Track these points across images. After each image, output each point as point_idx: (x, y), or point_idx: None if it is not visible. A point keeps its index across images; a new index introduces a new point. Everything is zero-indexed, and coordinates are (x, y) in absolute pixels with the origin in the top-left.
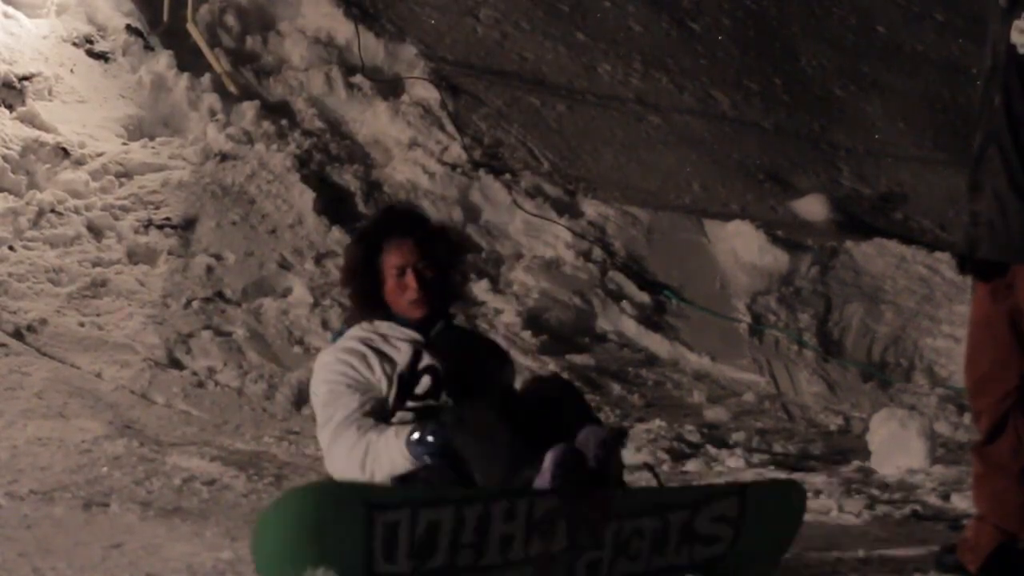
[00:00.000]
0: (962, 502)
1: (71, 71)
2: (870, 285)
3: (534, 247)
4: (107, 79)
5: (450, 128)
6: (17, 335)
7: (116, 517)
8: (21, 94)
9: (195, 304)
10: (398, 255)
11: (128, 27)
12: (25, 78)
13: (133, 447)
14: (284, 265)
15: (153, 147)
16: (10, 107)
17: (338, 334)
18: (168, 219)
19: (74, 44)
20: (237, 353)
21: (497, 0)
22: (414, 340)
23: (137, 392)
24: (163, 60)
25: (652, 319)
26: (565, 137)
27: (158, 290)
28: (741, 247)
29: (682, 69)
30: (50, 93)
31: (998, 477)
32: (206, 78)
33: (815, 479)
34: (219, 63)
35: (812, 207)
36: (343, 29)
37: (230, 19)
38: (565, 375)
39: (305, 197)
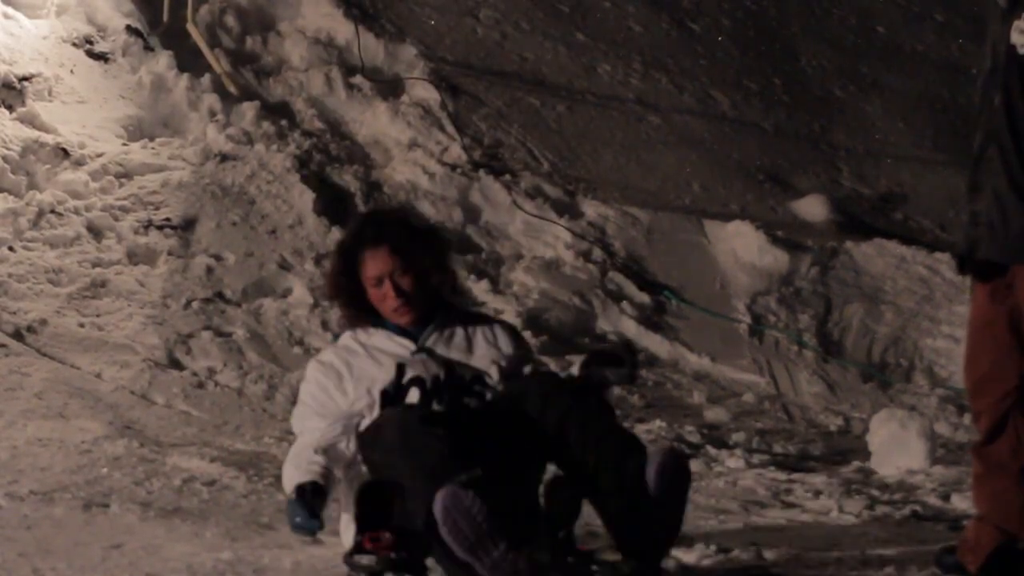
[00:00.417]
0: (962, 502)
1: (71, 71)
2: (870, 285)
3: (534, 247)
4: (107, 79)
5: (450, 128)
6: (17, 335)
7: (116, 517)
8: (21, 94)
9: (195, 304)
10: (373, 265)
11: (128, 27)
12: (25, 78)
13: (133, 447)
14: (284, 266)
15: (153, 147)
16: (10, 107)
17: (336, 337)
18: (168, 220)
19: (74, 44)
20: (237, 354)
21: (497, 0)
22: (399, 355)
23: (137, 392)
24: (163, 60)
25: (652, 319)
26: (565, 137)
27: (158, 290)
28: (741, 247)
29: (682, 69)
30: (50, 93)
31: (998, 477)
32: (206, 78)
33: (815, 479)
34: (219, 63)
35: (812, 207)
36: (343, 29)
37: (230, 19)
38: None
39: (305, 198)
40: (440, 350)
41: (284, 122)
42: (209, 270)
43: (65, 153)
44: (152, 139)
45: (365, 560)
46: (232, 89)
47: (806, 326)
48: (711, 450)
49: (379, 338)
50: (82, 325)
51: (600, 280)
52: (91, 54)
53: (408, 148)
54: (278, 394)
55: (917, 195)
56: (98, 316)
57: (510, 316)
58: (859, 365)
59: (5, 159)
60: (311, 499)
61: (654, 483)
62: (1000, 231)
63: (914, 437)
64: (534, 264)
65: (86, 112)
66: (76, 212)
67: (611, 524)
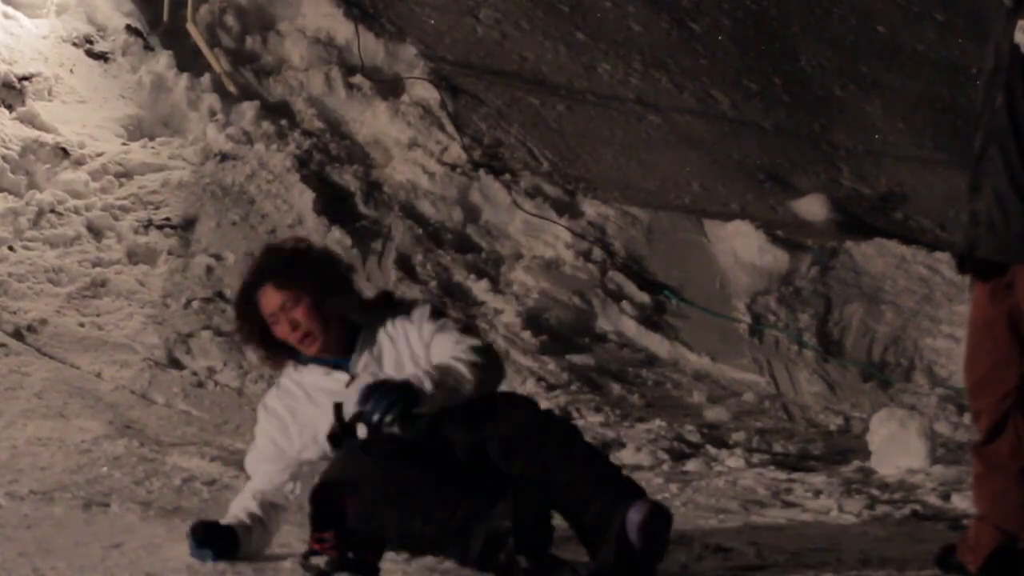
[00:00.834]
0: (962, 502)
1: (71, 71)
2: (870, 285)
3: (534, 247)
4: (107, 79)
5: (450, 128)
6: (17, 335)
7: (116, 517)
8: (21, 94)
9: (195, 304)
10: (265, 304)
11: (128, 27)
12: (25, 78)
13: (133, 447)
14: None
15: (153, 147)
16: (10, 107)
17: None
18: (168, 219)
19: (74, 44)
20: (237, 353)
21: (497, 0)
22: (334, 391)
23: (137, 392)
24: (163, 60)
25: (652, 319)
26: (565, 137)
27: (158, 290)
28: (741, 247)
29: (682, 69)
30: (50, 93)
31: (998, 477)
32: (206, 78)
33: (815, 479)
34: (219, 63)
35: (812, 207)
36: (343, 29)
37: (230, 19)
38: (565, 375)
39: (305, 197)
40: (373, 371)
41: (284, 122)
42: (209, 270)
43: (65, 153)
44: (152, 139)
45: (313, 561)
46: (232, 89)
47: (806, 326)
48: (711, 450)
49: (313, 376)
50: (82, 325)
51: (600, 280)
52: (91, 54)
53: (408, 148)
54: None
55: (917, 195)
56: (98, 316)
57: (510, 315)
58: (859, 364)
59: (5, 159)
60: (202, 535)
61: (637, 538)
62: (1000, 230)
63: (914, 436)
64: (534, 264)
65: (86, 112)
66: (76, 212)
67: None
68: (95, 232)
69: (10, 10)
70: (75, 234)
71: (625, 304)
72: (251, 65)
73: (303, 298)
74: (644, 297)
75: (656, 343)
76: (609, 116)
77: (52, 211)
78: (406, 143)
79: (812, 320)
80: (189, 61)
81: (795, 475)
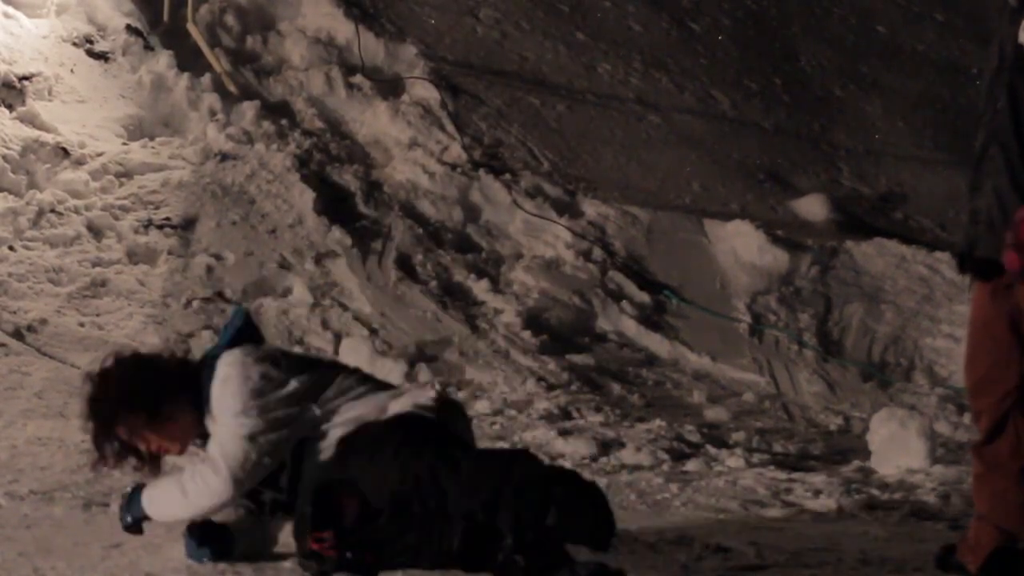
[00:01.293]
0: (962, 502)
1: (71, 71)
2: (870, 285)
3: (534, 247)
4: (107, 79)
5: (450, 128)
6: (17, 335)
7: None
8: (21, 94)
9: (195, 304)
10: (121, 434)
11: (128, 27)
12: (25, 78)
13: None
14: (284, 265)
15: (153, 147)
16: (10, 107)
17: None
18: (168, 219)
19: (74, 44)
20: None
21: (497, 0)
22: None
23: None
24: (163, 60)
25: (652, 319)
26: (565, 137)
27: (158, 290)
28: (741, 247)
29: (682, 69)
30: (50, 93)
31: (998, 477)
32: (206, 78)
33: (815, 479)
34: (219, 63)
35: (812, 207)
36: (343, 29)
37: (230, 19)
38: (565, 375)
39: (305, 197)
40: None
41: (284, 121)
42: (209, 269)
43: (65, 152)
44: (152, 138)
45: (312, 560)
46: (232, 89)
47: (806, 325)
48: (711, 449)
49: None
50: (82, 324)
51: (600, 279)
52: (91, 53)
53: (408, 147)
54: None
55: (917, 195)
56: (98, 315)
57: (510, 315)
58: (859, 364)
59: (5, 158)
60: (199, 535)
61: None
62: (1000, 229)
63: (914, 436)
64: (534, 263)
65: (86, 112)
66: (76, 211)
67: None
68: (95, 232)
69: (10, 10)
70: (75, 234)
71: (625, 304)
72: (251, 65)
73: (129, 423)
74: (644, 297)
75: (656, 343)
76: (609, 116)
77: (52, 211)
78: (406, 143)
79: (812, 320)
80: (189, 61)
81: (795, 475)
